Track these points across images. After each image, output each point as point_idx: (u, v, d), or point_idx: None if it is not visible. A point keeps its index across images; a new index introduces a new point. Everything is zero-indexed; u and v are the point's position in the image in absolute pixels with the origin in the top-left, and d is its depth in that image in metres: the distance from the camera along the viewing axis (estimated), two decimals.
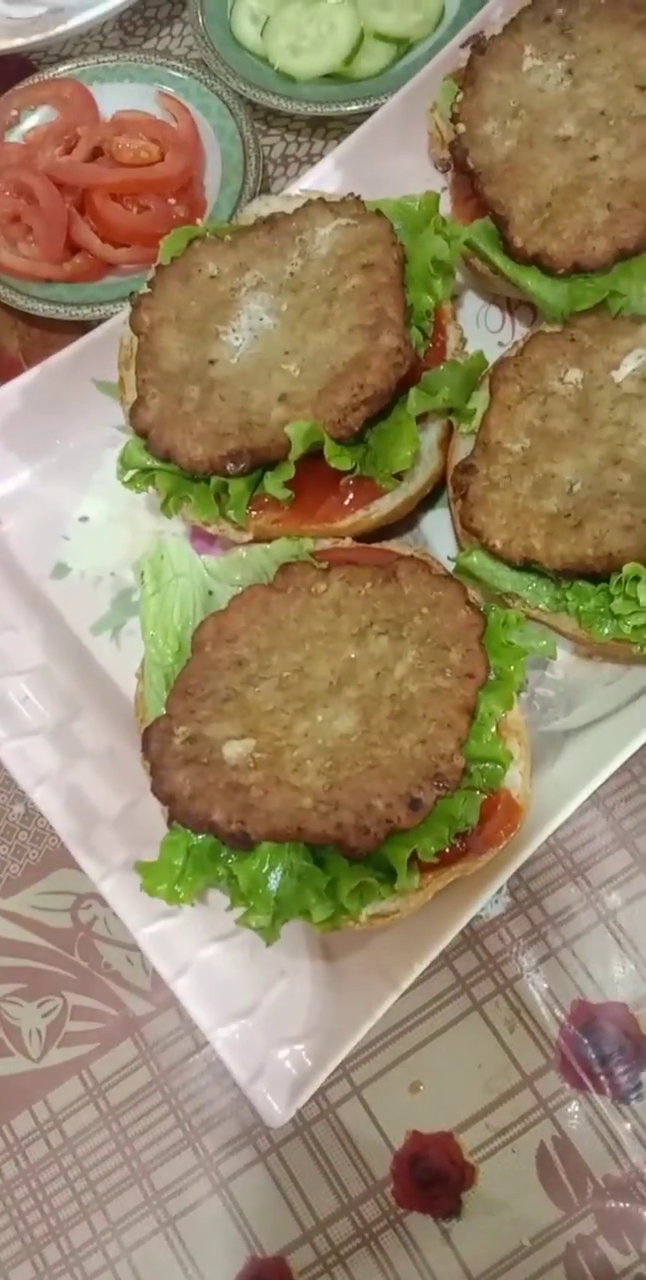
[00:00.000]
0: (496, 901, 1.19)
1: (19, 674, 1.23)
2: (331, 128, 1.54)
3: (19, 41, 1.54)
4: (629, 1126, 1.11)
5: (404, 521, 1.27)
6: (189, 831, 1.00)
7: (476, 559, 1.14)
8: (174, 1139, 1.16)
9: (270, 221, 1.22)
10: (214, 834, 0.98)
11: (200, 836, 1.01)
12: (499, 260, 1.26)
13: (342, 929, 1.02)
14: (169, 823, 1.01)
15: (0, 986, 1.23)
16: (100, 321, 1.36)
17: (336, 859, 0.99)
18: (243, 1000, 1.08)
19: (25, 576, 1.32)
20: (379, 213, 1.20)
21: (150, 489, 1.19)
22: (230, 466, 1.12)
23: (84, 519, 1.35)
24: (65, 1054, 1.20)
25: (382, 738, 1.00)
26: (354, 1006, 1.06)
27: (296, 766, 0.99)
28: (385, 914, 1.03)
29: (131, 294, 1.21)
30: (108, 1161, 1.16)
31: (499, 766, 1.04)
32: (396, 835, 0.96)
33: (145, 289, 1.21)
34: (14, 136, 1.50)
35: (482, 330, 1.38)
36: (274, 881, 1.00)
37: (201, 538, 1.28)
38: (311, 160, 1.53)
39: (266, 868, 0.99)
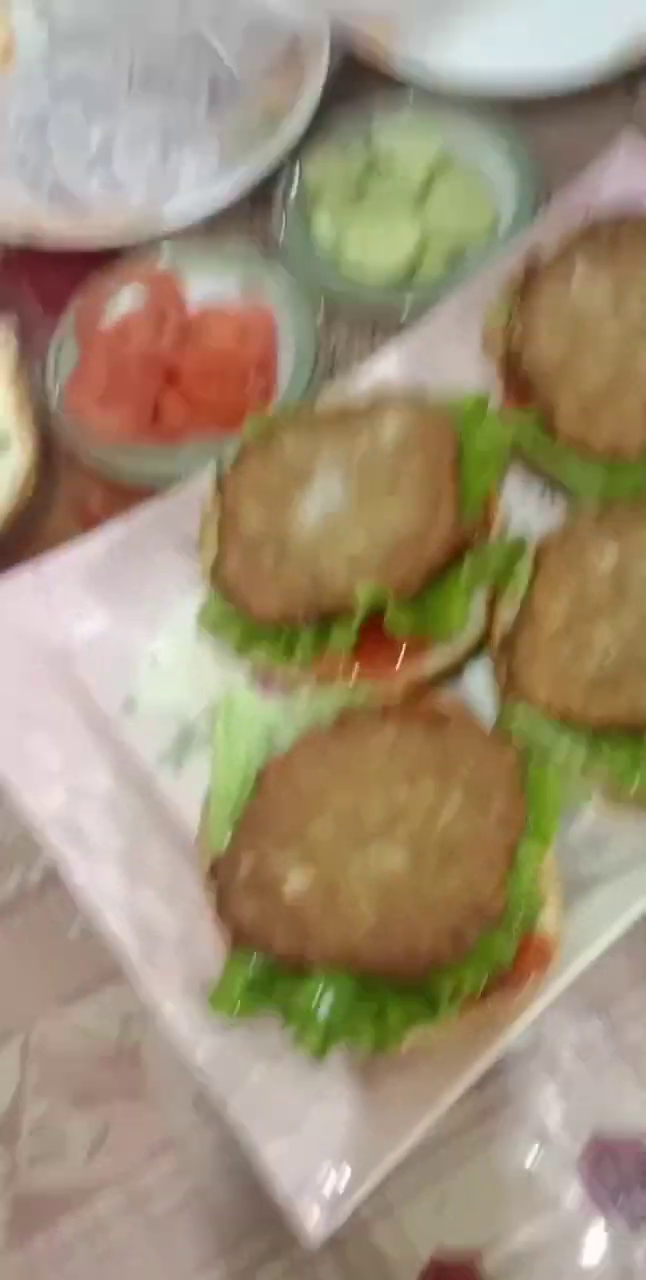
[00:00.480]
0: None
1: (91, 799, 1.33)
2: (392, 328, 1.68)
3: (120, 236, 1.74)
4: (642, 1254, 1.14)
5: (449, 674, 1.38)
6: (249, 957, 1.09)
7: (519, 716, 1.25)
8: (211, 1249, 1.20)
9: (342, 409, 1.39)
10: (274, 960, 1.07)
11: (259, 962, 1.09)
12: (542, 456, 1.42)
13: (386, 1054, 1.09)
14: (232, 948, 1.10)
15: (49, 1096, 1.29)
16: (179, 483, 1.50)
17: (383, 988, 1.08)
18: (288, 1118, 1.14)
19: (98, 709, 1.43)
20: (439, 406, 1.36)
21: (223, 637, 1.32)
22: (300, 621, 1.26)
23: (154, 659, 1.46)
24: (109, 1165, 1.25)
25: (430, 876, 1.10)
26: (392, 1127, 1.12)
27: (351, 900, 1.09)
28: (426, 1042, 1.10)
29: (217, 464, 1.37)
30: (148, 1270, 1.20)
31: (534, 908, 1.13)
32: (440, 968, 1.05)
33: (230, 461, 1.37)
34: (109, 316, 1.67)
35: (524, 499, 1.50)
36: (325, 1007, 1.08)
37: (263, 680, 1.39)
38: (373, 352, 1.67)
39: (319, 994, 1.08)
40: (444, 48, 1.87)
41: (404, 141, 1.80)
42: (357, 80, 1.99)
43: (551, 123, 1.88)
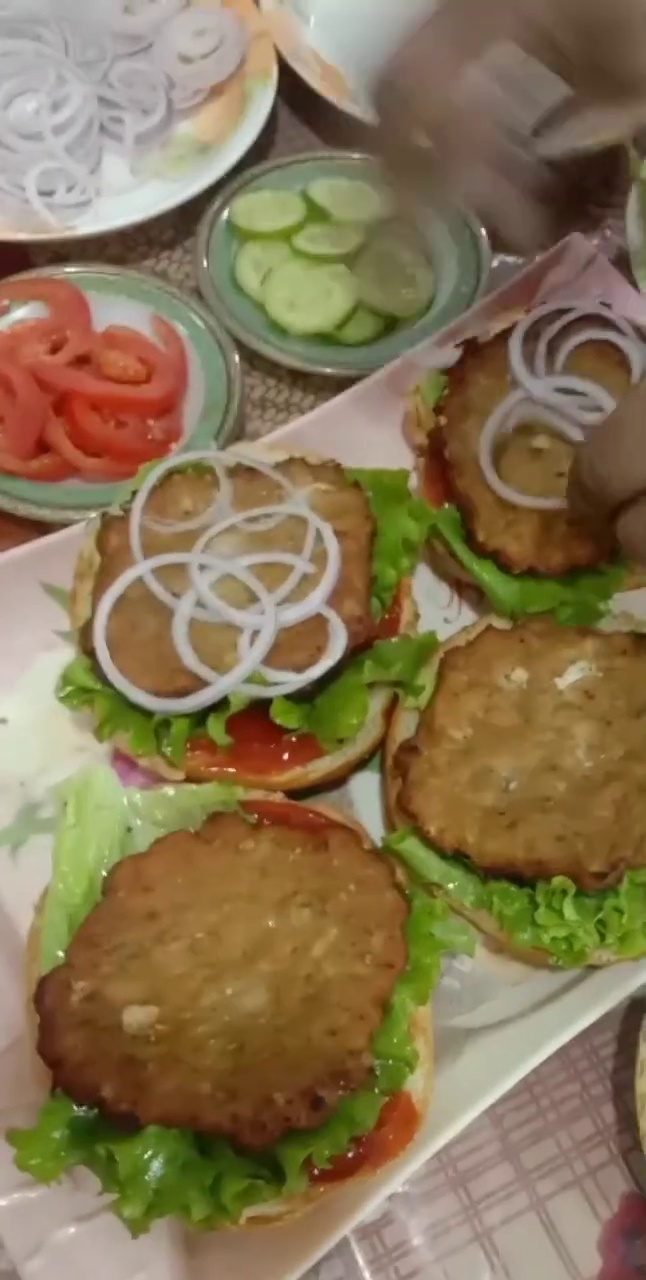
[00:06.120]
0: None
1: None
2: (310, 381, 1.60)
3: (22, 236, 1.57)
4: None
5: (332, 783, 1.25)
6: (70, 1104, 0.91)
7: (408, 844, 1.12)
8: None
9: (251, 471, 1.24)
10: (100, 1109, 0.89)
11: (82, 1109, 0.91)
12: (459, 549, 1.31)
13: (218, 1229, 0.93)
14: (51, 1089, 0.92)
15: None
16: (56, 524, 1.34)
17: (223, 1150, 0.91)
18: None
19: None
20: (356, 484, 1.23)
21: (86, 710, 1.15)
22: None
23: (2, 721, 1.27)
24: None
25: (291, 1022, 0.94)
26: None
27: (198, 1045, 0.92)
28: (266, 1218, 0.95)
29: (103, 513, 1.20)
30: None
31: (405, 1068, 0.99)
32: (292, 1134, 0.89)
33: (117, 510, 1.20)
34: (0, 325, 1.50)
35: (430, 604, 1.39)
36: (154, 1170, 0.90)
37: (122, 760, 1.23)
38: (288, 408, 1.58)
39: (149, 1154, 0.90)
40: None
41: (343, 199, 1.69)
42: (302, 126, 1.90)
43: None
